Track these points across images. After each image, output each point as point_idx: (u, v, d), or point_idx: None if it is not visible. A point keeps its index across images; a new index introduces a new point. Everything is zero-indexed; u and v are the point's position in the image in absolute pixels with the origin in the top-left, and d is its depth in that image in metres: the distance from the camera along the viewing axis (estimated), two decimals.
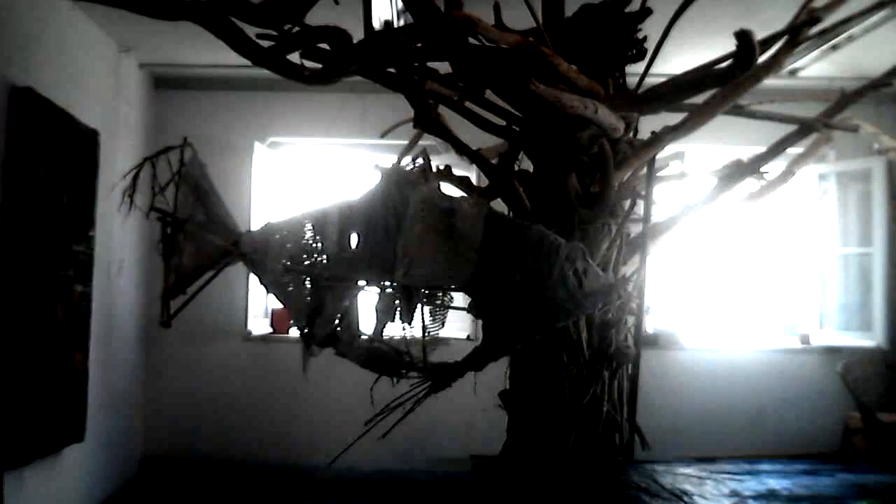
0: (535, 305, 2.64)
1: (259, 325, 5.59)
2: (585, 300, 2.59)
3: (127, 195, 3.23)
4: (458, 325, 5.21)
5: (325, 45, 2.55)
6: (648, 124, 3.20)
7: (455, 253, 2.72)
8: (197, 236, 3.25)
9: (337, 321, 3.13)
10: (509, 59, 2.57)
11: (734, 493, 2.95)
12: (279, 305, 5.52)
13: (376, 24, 2.81)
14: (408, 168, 3.11)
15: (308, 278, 3.15)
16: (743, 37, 2.29)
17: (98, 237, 4.31)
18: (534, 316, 2.68)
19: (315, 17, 2.49)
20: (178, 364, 5.44)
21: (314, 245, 3.14)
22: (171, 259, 3.21)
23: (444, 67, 3.01)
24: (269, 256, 3.17)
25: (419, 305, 2.96)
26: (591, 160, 3.00)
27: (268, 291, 3.38)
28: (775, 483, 3.11)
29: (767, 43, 2.91)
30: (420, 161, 3.06)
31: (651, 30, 3.07)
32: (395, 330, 3.07)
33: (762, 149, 3.58)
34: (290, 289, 3.18)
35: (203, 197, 3.32)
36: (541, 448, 2.94)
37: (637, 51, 3.19)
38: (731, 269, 5.87)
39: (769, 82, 3.30)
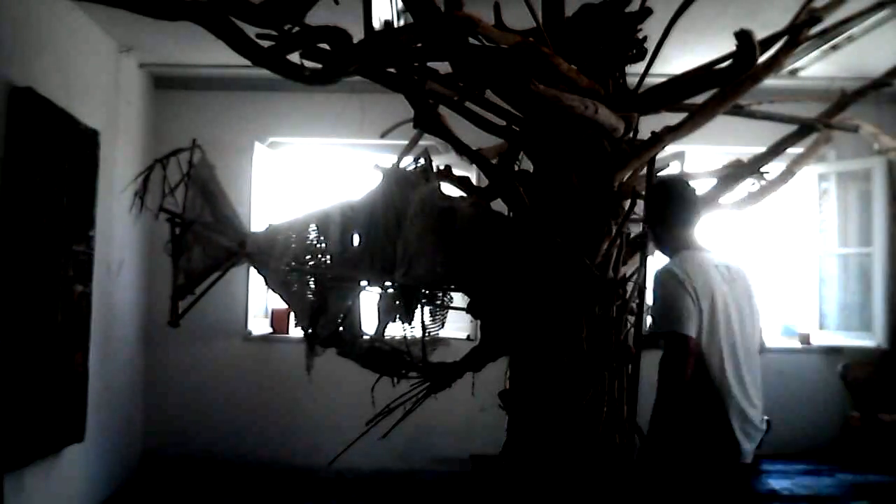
0: (531, 305, 2.64)
1: (259, 325, 5.59)
2: (582, 300, 2.59)
3: (137, 196, 3.25)
4: (458, 325, 5.21)
5: (325, 45, 2.55)
6: (648, 124, 3.20)
7: (454, 253, 2.72)
8: (204, 237, 3.27)
9: (339, 321, 3.14)
10: (509, 59, 2.57)
11: None
12: (279, 305, 5.53)
13: (376, 24, 2.81)
14: (408, 168, 3.12)
15: (312, 278, 3.15)
16: (743, 37, 2.29)
17: (98, 237, 4.31)
18: (530, 316, 2.68)
19: (315, 17, 2.49)
20: (178, 364, 5.44)
21: (317, 245, 3.14)
22: (180, 259, 3.22)
23: (444, 67, 3.00)
24: (274, 257, 3.18)
25: (419, 305, 2.96)
26: (591, 160, 2.99)
27: (273, 291, 3.39)
28: (775, 483, 3.11)
29: (767, 43, 2.90)
30: (421, 161, 3.06)
31: (651, 30, 3.07)
32: (396, 330, 3.07)
33: (762, 149, 3.58)
34: (294, 289, 3.19)
35: (211, 198, 3.34)
36: (541, 448, 2.94)
37: (637, 51, 3.19)
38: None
39: (769, 82, 3.30)
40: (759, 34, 2.47)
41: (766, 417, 2.63)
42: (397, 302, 2.97)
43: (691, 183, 2.92)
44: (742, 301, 2.63)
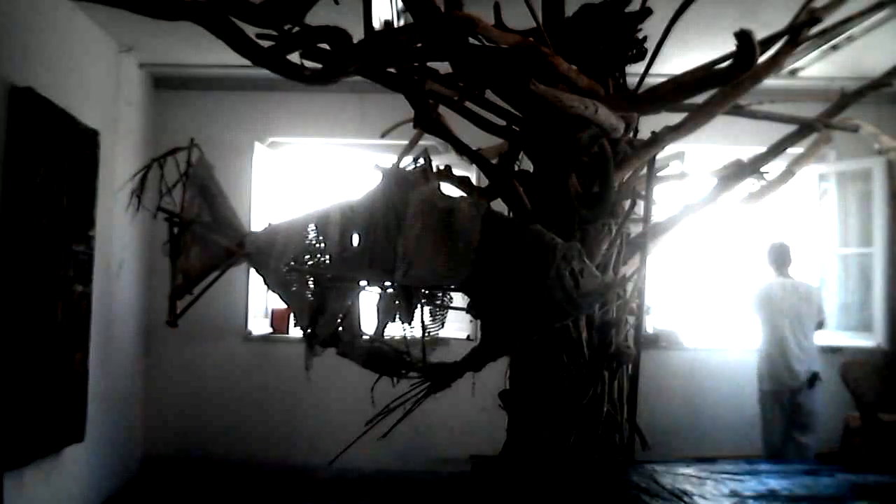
0: (531, 305, 2.64)
1: (259, 325, 5.59)
2: (581, 300, 2.58)
3: (135, 196, 3.25)
4: (458, 325, 5.21)
5: (325, 45, 2.55)
6: (648, 124, 3.20)
7: (454, 253, 2.71)
8: (203, 237, 3.26)
9: (339, 321, 3.13)
10: (509, 59, 2.57)
11: (734, 493, 2.94)
12: (279, 305, 5.53)
13: (376, 24, 2.81)
14: (408, 168, 3.11)
15: (311, 278, 3.15)
16: (743, 37, 2.29)
17: (98, 237, 4.31)
18: (530, 316, 2.68)
19: (315, 17, 2.49)
20: (178, 364, 5.44)
21: (317, 245, 3.14)
22: (178, 259, 3.22)
23: (444, 67, 3.01)
24: (273, 257, 3.17)
25: (419, 305, 2.96)
26: (591, 160, 2.99)
27: (272, 291, 3.39)
28: (775, 483, 3.10)
29: (767, 43, 2.91)
30: (421, 161, 3.06)
31: (651, 30, 3.07)
32: (395, 330, 3.07)
33: (762, 149, 3.58)
34: (294, 289, 3.19)
35: (209, 198, 3.33)
36: (541, 448, 2.94)
37: (637, 51, 3.19)
38: (730, 268, 5.87)
39: (769, 82, 3.30)
40: (759, 34, 2.47)
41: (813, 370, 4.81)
42: (397, 302, 2.96)
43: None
44: (797, 304, 4.89)
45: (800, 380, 4.80)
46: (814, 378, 4.80)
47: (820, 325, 5.03)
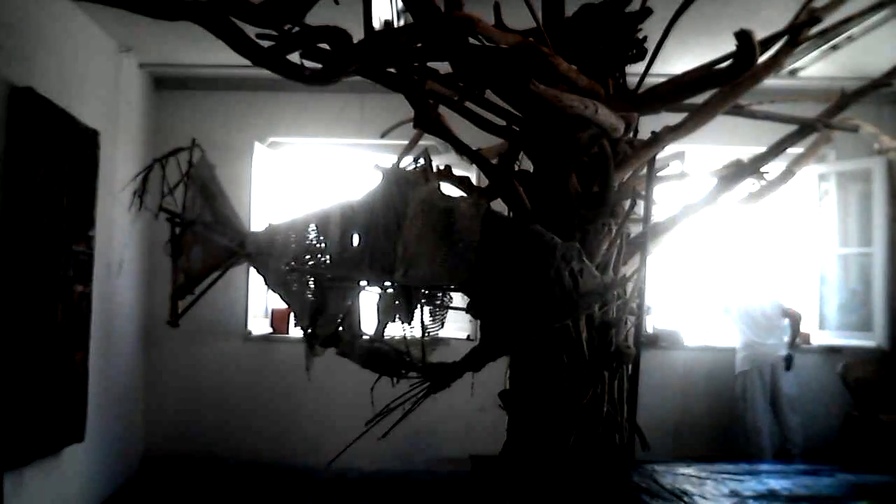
0: (531, 305, 2.64)
1: (259, 325, 5.59)
2: (581, 300, 2.59)
3: (136, 196, 3.25)
4: (458, 325, 5.21)
5: (325, 45, 2.55)
6: (648, 124, 3.20)
7: (453, 253, 2.71)
8: (204, 237, 3.27)
9: (339, 321, 3.13)
10: (509, 59, 2.57)
11: (734, 493, 2.95)
12: (279, 305, 5.53)
13: (376, 24, 2.81)
14: (408, 168, 3.11)
15: (311, 278, 3.15)
16: (743, 37, 2.29)
17: (98, 237, 4.31)
18: (530, 316, 2.68)
19: (315, 17, 2.49)
20: (178, 364, 5.44)
21: (317, 245, 3.14)
22: (179, 259, 3.22)
23: (444, 67, 3.00)
24: (274, 257, 3.18)
25: (419, 305, 2.96)
26: (591, 160, 2.99)
27: (272, 291, 3.39)
28: (775, 483, 3.11)
29: (767, 43, 2.91)
30: (421, 161, 3.06)
31: (651, 30, 3.07)
32: (395, 330, 3.07)
33: (762, 149, 3.58)
34: (294, 289, 3.19)
35: (210, 198, 3.33)
36: (541, 448, 2.94)
37: (637, 51, 3.19)
38: (730, 268, 5.87)
39: (769, 82, 3.30)
40: (759, 34, 2.47)
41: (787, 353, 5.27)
42: (397, 302, 2.96)
43: None
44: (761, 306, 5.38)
45: (773, 349, 5.21)
46: (789, 360, 5.21)
47: (787, 314, 5.42)
